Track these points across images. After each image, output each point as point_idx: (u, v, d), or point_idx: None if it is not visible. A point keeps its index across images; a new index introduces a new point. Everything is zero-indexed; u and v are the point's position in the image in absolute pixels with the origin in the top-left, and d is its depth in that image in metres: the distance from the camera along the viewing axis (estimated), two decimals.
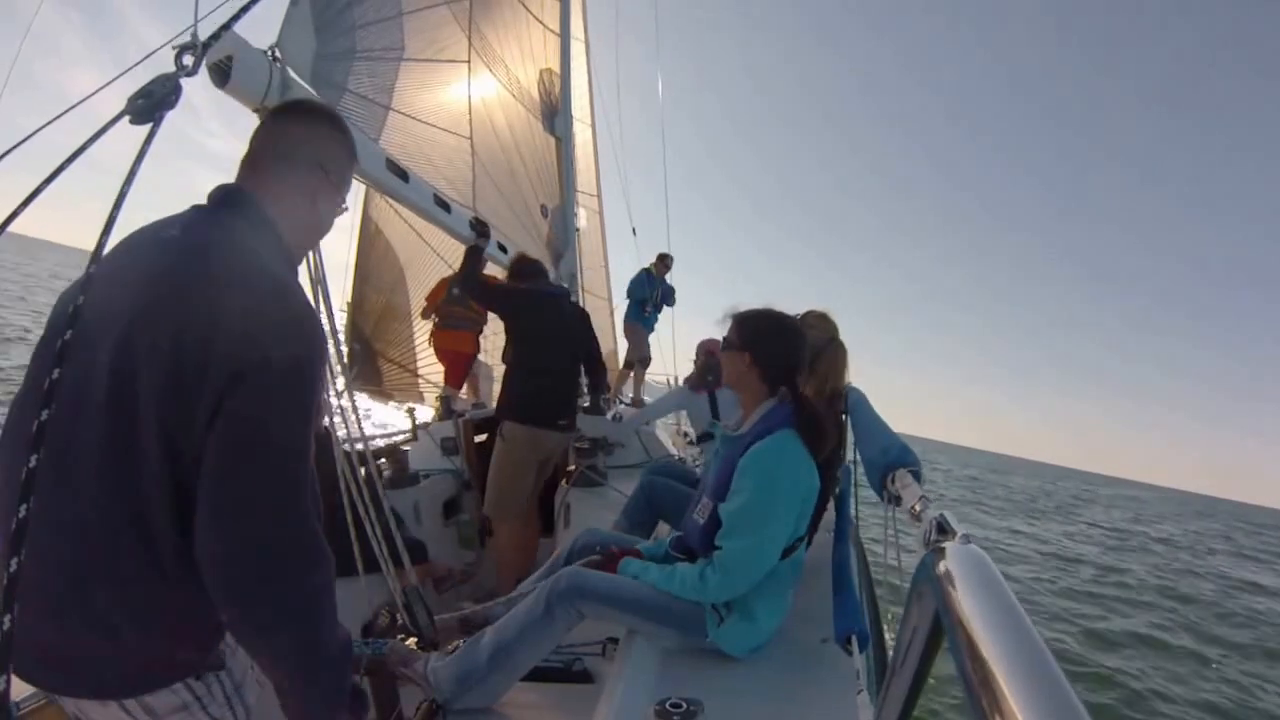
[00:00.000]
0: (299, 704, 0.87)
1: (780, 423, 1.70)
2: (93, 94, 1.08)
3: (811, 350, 2.38)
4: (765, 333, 1.78)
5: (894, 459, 1.23)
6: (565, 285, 3.25)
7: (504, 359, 3.11)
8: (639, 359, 6.58)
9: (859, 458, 1.89)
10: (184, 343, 0.76)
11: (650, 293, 6.36)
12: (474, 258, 2.91)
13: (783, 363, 1.76)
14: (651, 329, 6.55)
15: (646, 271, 6.42)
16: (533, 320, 2.98)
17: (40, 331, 0.87)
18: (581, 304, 4.46)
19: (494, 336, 4.94)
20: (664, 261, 6.47)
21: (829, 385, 2.38)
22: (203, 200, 0.93)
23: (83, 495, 0.78)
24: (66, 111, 1.00)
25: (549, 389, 2.96)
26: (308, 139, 0.98)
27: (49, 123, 0.93)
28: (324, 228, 1.04)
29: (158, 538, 0.79)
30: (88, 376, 0.77)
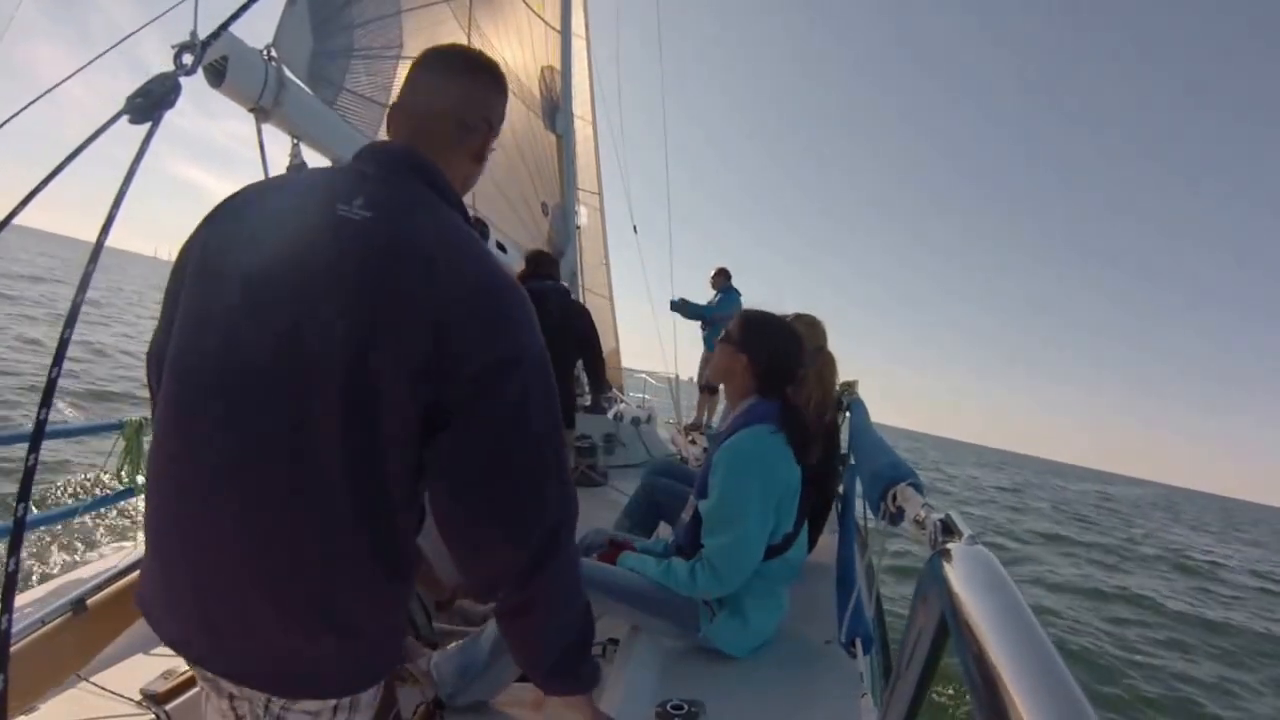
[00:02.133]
0: (553, 661, 0.89)
1: (757, 419, 1.71)
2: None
3: None
4: (766, 337, 1.79)
5: (896, 475, 1.24)
6: (564, 283, 3.24)
7: None
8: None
9: (858, 473, 1.89)
10: (433, 332, 0.72)
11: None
12: None
13: (779, 368, 1.77)
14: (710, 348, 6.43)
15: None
16: None
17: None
18: (582, 301, 4.44)
19: None
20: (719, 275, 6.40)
21: (815, 395, 2.39)
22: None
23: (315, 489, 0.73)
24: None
25: None
26: (479, 98, 0.92)
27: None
28: (479, 173, 0.98)
29: (391, 529, 0.78)
30: (308, 382, 0.72)
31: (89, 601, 1.38)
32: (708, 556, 1.63)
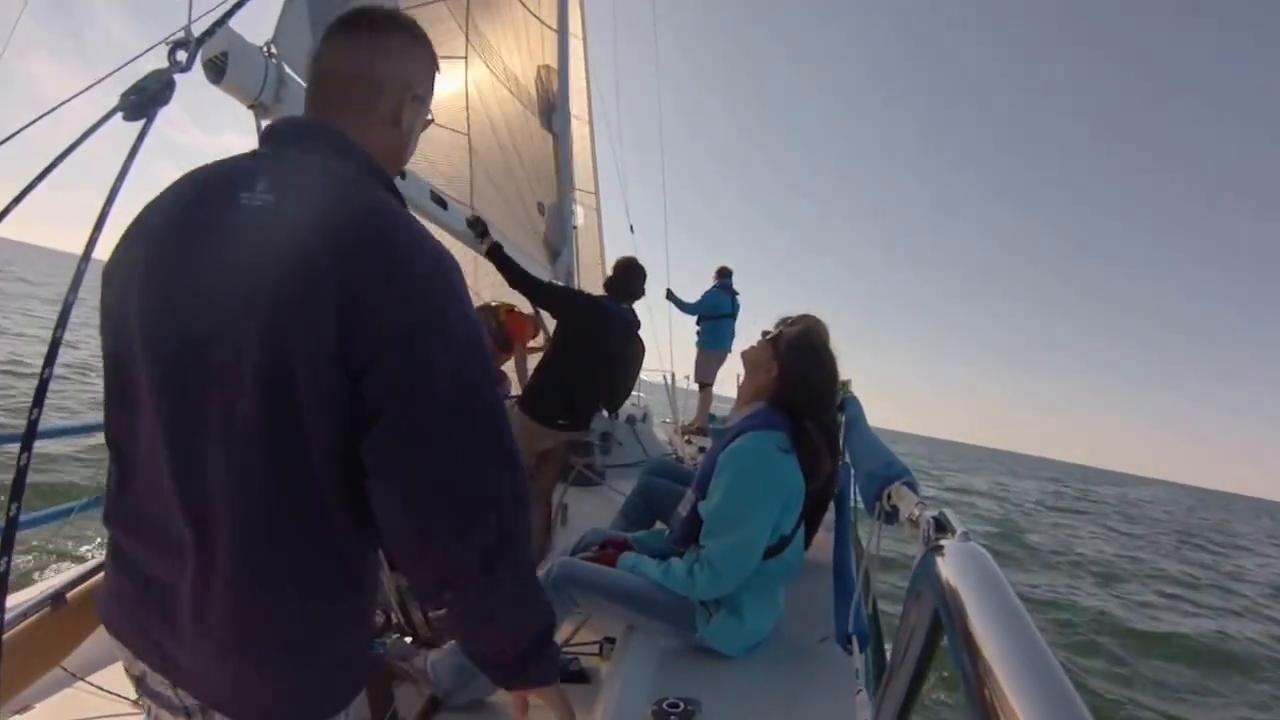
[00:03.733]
0: (508, 659, 0.81)
1: (761, 424, 1.71)
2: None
3: None
4: (809, 364, 1.77)
5: (892, 474, 1.25)
6: (634, 311, 3.21)
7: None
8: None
9: (854, 473, 1.90)
10: (342, 315, 0.67)
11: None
12: (499, 256, 2.94)
13: (802, 398, 1.75)
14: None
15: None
16: (574, 325, 3.03)
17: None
18: None
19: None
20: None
21: None
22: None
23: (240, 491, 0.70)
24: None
25: (561, 392, 3.00)
26: (387, 54, 0.84)
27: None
28: (411, 148, 0.91)
29: (333, 533, 0.73)
30: (218, 383, 0.69)
31: (68, 595, 1.38)
32: (708, 558, 1.63)
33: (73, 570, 1.61)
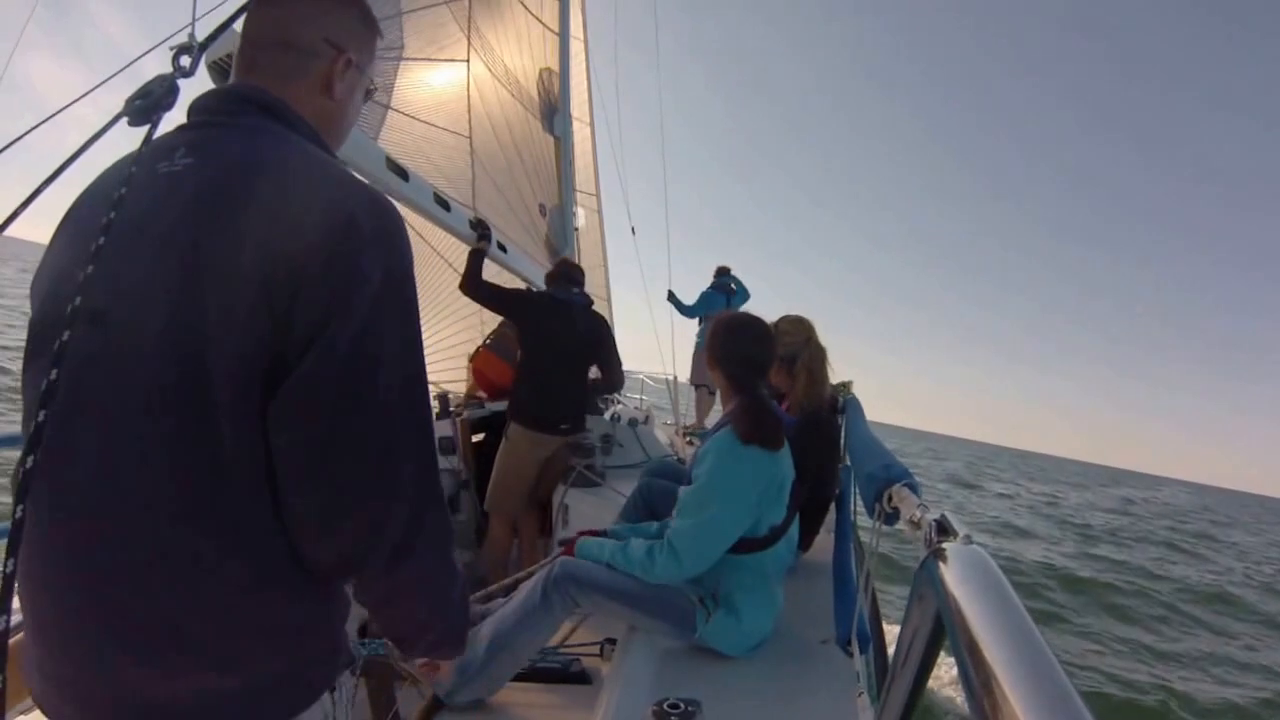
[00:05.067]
0: (426, 640, 0.79)
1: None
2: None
3: (788, 356, 2.41)
4: (729, 345, 1.84)
5: (892, 476, 1.25)
6: (585, 293, 3.22)
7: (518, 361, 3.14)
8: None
9: (854, 474, 1.90)
10: (268, 284, 0.62)
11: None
12: (475, 260, 2.92)
13: (737, 364, 1.81)
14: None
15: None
16: (536, 326, 3.00)
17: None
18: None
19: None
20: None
21: (812, 389, 2.40)
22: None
23: (145, 489, 0.63)
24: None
25: (552, 394, 2.98)
26: (310, 16, 0.80)
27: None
28: (351, 116, 0.87)
29: (256, 528, 0.66)
30: (122, 355, 0.64)
31: None
32: (669, 538, 1.64)
33: None
